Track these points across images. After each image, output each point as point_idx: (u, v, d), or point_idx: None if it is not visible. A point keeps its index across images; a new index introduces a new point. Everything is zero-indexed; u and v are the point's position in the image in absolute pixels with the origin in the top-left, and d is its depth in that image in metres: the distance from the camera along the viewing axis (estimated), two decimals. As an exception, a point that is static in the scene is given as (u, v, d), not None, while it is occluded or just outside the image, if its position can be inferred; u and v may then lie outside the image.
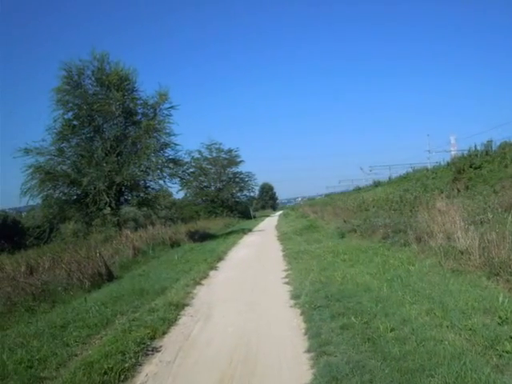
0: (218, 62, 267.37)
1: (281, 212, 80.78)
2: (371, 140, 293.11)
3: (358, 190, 53.93)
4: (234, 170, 64.39)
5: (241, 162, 63.80)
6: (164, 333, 7.47)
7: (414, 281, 8.54)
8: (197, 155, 58.97)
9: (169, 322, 8.01)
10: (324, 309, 7.62)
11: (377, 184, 46.39)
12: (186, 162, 31.11)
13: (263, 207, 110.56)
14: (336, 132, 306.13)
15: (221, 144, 62.47)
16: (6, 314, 9.54)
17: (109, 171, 24.14)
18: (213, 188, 62.24)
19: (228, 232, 32.98)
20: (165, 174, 26.45)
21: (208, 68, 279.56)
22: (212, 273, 13.88)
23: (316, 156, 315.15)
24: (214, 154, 62.12)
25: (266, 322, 7.71)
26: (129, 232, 21.65)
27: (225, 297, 10.23)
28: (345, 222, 21.96)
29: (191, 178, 42.97)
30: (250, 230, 34.02)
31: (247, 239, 26.52)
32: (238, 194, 65.71)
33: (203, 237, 27.77)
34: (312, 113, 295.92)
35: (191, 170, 38.27)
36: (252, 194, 74.22)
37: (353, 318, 6.74)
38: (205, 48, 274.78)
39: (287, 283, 10.77)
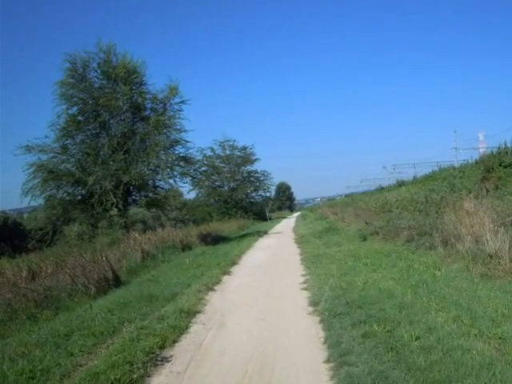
0: (231, 54, 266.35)
1: (298, 213, 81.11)
2: (395, 137, 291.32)
3: (381, 189, 53.65)
4: (249, 168, 64.47)
5: (256, 160, 63.79)
6: (174, 341, 7.45)
7: (441, 286, 8.54)
8: (209, 153, 59.02)
9: (180, 330, 7.98)
10: (344, 316, 7.62)
11: (400, 183, 46.08)
12: (198, 160, 31.20)
13: (280, 208, 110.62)
14: (358, 129, 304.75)
15: (234, 141, 62.62)
16: (7, 321, 9.58)
17: (116, 170, 24.12)
18: (226, 188, 62.17)
19: (242, 235, 33.01)
20: (175, 173, 26.45)
21: (221, 60, 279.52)
22: (225, 278, 13.89)
23: (337, 154, 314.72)
24: (228, 152, 62.09)
25: (282, 331, 7.72)
26: (137, 234, 21.70)
27: (239, 303, 10.23)
28: (366, 223, 21.93)
29: (203, 177, 43.04)
30: (265, 233, 34.08)
31: (262, 242, 26.53)
32: (253, 194, 65.56)
33: (216, 239, 27.76)
34: (332, 108, 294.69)
35: (203, 168, 38.33)
36: (268, 194, 73.99)
37: (375, 326, 6.74)
38: (218, 39, 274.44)
39: (305, 289, 10.77)
